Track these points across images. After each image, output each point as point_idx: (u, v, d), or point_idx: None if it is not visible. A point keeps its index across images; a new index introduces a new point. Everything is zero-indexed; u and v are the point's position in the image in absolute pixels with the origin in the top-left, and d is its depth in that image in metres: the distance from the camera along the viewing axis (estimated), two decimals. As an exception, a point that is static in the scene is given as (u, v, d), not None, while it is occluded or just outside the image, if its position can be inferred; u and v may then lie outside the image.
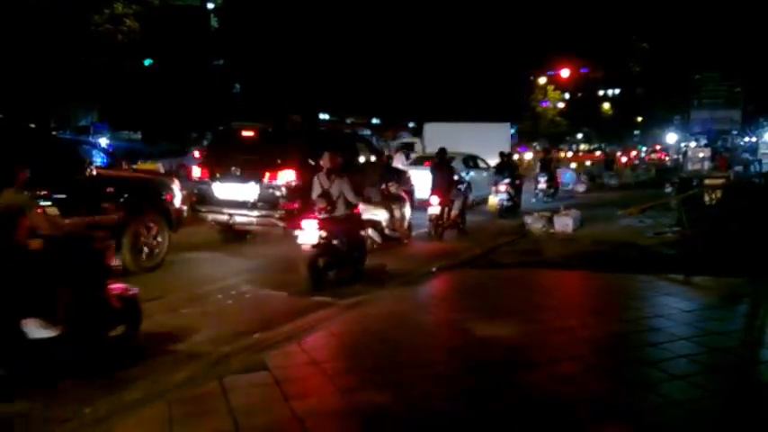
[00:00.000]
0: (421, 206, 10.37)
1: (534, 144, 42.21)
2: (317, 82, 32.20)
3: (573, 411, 3.41)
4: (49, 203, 5.66)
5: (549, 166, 17.42)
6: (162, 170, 14.74)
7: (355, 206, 6.96)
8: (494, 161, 15.42)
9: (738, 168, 20.07)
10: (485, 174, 15.75)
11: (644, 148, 47.05)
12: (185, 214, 7.84)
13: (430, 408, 3.43)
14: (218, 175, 8.66)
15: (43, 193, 5.74)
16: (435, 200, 9.85)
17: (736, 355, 4.44)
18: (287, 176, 8.32)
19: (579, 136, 60.31)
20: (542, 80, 50.59)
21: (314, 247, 6.28)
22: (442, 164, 10.41)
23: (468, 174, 14.18)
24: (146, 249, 6.92)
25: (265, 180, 8.32)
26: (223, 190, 8.55)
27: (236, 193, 8.43)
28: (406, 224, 9.24)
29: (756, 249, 7.01)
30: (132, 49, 19.29)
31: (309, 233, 6.29)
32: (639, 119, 64.21)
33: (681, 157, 29.65)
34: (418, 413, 3.38)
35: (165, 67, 27.84)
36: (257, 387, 3.69)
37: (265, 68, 31.89)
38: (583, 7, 49.48)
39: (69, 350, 3.83)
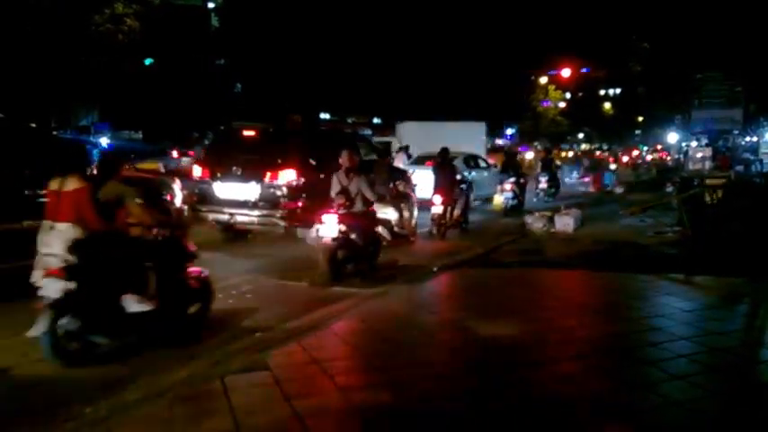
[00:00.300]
0: (423, 205, 10.39)
1: (535, 144, 42.19)
2: (317, 82, 32.20)
3: (573, 411, 3.40)
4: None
5: (550, 165, 17.42)
6: (162, 170, 14.76)
7: (372, 203, 7.34)
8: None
9: (739, 168, 20.10)
10: (486, 173, 15.75)
11: (645, 148, 47.05)
12: (186, 214, 7.85)
13: (430, 407, 3.43)
14: (218, 175, 8.66)
15: (44, 192, 5.75)
16: (438, 199, 9.90)
17: (737, 354, 4.43)
18: (288, 176, 8.32)
19: (580, 136, 60.26)
20: (543, 80, 50.59)
21: (333, 240, 6.60)
22: (444, 163, 10.45)
23: (470, 173, 14.21)
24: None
25: (266, 180, 8.32)
26: (224, 190, 8.55)
27: (236, 193, 8.43)
28: (413, 222, 9.45)
29: (757, 249, 7.01)
30: (133, 49, 19.30)
31: (329, 227, 6.60)
32: (640, 118, 64.18)
33: (682, 156, 29.65)
34: (419, 413, 3.38)
35: (166, 66, 27.85)
36: (257, 387, 3.70)
37: (266, 68, 31.89)
38: (584, 7, 49.44)
39: (159, 324, 4.39)
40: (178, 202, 7.53)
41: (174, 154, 22.70)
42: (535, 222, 10.64)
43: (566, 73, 46.89)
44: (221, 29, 34.95)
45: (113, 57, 18.73)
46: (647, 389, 3.71)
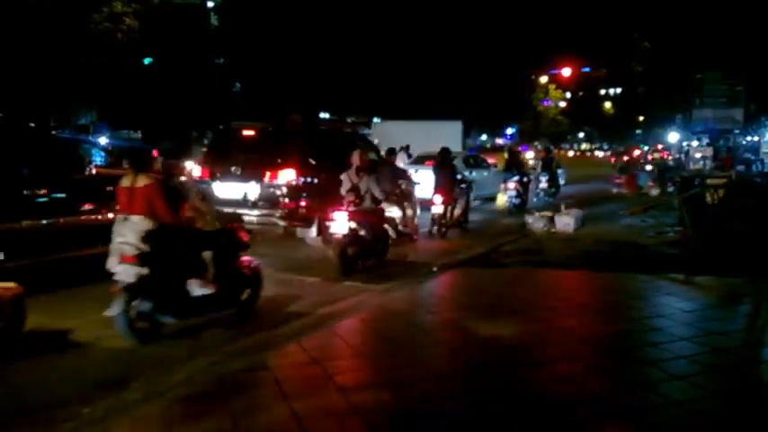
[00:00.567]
0: (423, 205, 10.39)
1: (535, 143, 42.19)
2: (317, 81, 32.18)
3: (573, 411, 3.39)
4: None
5: (550, 165, 17.40)
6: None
7: (380, 202, 7.64)
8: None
9: (740, 168, 20.06)
10: (486, 173, 15.74)
11: (645, 147, 46.99)
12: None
13: (430, 407, 3.42)
14: (218, 175, 8.64)
15: (42, 191, 5.74)
16: (438, 199, 9.91)
17: (737, 355, 4.42)
18: (287, 176, 8.31)
19: (581, 135, 60.29)
20: (544, 79, 50.59)
21: (344, 236, 6.85)
22: (444, 163, 10.45)
23: (471, 173, 14.21)
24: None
25: (266, 179, 8.31)
26: (223, 189, 8.54)
27: (236, 193, 8.42)
28: (415, 221, 9.55)
29: (758, 249, 6.99)
30: (132, 48, 19.28)
31: (340, 224, 6.86)
32: (641, 118, 64.15)
33: (683, 156, 29.60)
34: (419, 413, 3.37)
35: (165, 65, 27.83)
36: (257, 387, 3.69)
37: (265, 67, 31.88)
38: (584, 6, 49.43)
39: (218, 307, 4.90)
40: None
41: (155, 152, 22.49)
42: (535, 222, 10.63)
43: (566, 72, 46.92)
44: (221, 28, 34.92)
45: (112, 56, 18.72)
46: (647, 389, 3.71)
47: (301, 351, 4.32)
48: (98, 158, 14.05)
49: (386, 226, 8.40)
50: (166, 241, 4.57)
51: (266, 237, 8.81)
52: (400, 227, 9.00)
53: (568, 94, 55.54)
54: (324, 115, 35.33)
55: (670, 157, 36.52)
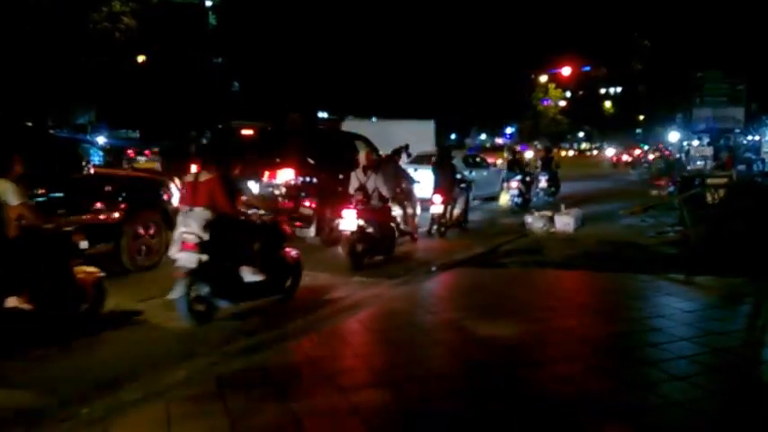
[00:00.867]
0: (422, 205, 10.38)
1: (535, 143, 42.16)
2: (316, 80, 32.17)
3: (573, 411, 3.38)
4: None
5: (549, 165, 17.37)
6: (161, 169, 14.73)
7: (387, 200, 7.86)
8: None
9: (741, 167, 19.99)
10: (485, 173, 15.72)
11: (645, 147, 46.96)
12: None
13: (430, 407, 3.41)
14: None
15: (41, 191, 5.72)
16: (438, 198, 9.89)
17: (737, 355, 4.40)
18: (286, 175, 8.30)
19: (581, 134, 60.28)
20: (543, 78, 50.57)
21: (353, 233, 7.07)
22: (443, 163, 10.44)
23: (470, 173, 14.20)
24: (144, 248, 6.89)
25: (264, 179, 8.29)
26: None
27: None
28: (416, 220, 9.61)
29: (758, 249, 6.97)
30: (130, 47, 19.27)
31: (349, 221, 7.07)
32: (641, 117, 64.10)
33: (683, 155, 29.56)
34: (418, 413, 3.35)
35: (164, 65, 27.82)
36: (255, 387, 3.67)
37: (264, 66, 31.87)
38: (584, 5, 49.41)
39: (266, 293, 5.29)
40: (175, 201, 7.49)
41: (130, 152, 22.38)
42: (535, 222, 10.60)
43: (566, 71, 46.84)
44: (219, 27, 34.91)
45: (111, 56, 18.71)
46: (647, 389, 3.69)
47: (301, 350, 4.29)
48: (96, 158, 14.03)
49: (392, 224, 8.54)
50: (224, 231, 4.90)
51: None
52: (401, 225, 9.03)
53: (568, 94, 55.51)
54: (323, 114, 35.35)
55: (670, 157, 36.46)
